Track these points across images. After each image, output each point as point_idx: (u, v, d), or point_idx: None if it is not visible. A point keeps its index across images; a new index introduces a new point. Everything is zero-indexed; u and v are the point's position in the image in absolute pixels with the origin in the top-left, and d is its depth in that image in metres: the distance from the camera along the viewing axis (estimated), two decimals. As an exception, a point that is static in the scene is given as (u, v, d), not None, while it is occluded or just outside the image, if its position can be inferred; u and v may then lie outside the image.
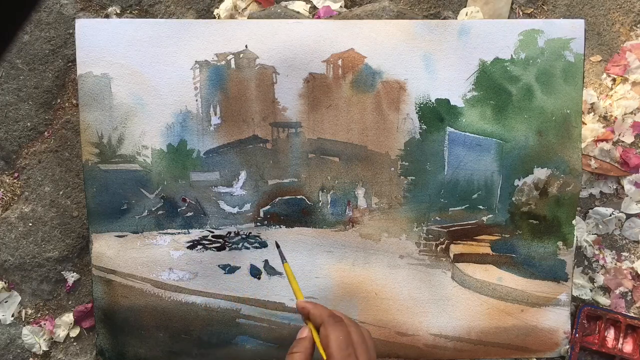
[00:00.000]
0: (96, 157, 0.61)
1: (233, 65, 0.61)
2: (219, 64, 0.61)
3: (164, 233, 0.62)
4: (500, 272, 0.64)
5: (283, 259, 0.56)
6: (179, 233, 0.62)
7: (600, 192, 0.67)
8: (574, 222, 0.64)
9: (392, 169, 0.63)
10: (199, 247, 0.63)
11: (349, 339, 0.46)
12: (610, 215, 0.67)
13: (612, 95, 0.67)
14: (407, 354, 0.64)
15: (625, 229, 0.67)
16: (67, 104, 0.65)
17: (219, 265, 0.63)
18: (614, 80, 0.68)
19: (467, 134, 0.63)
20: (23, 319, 0.66)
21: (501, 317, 0.64)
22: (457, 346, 0.64)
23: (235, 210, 0.63)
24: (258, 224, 0.63)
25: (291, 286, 0.53)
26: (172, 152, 0.62)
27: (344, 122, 0.62)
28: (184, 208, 0.62)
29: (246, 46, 0.61)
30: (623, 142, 0.67)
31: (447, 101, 0.62)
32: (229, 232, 0.63)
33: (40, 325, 0.65)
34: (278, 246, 0.59)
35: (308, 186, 0.63)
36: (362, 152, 0.63)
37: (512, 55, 0.62)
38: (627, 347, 0.66)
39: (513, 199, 0.63)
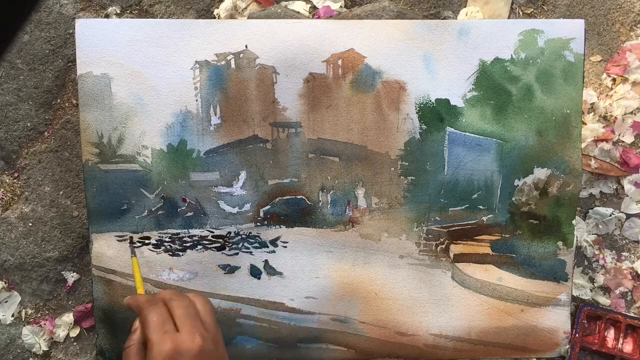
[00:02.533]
0: (96, 157, 0.61)
1: (233, 65, 0.61)
2: (219, 64, 0.61)
3: (164, 233, 0.62)
4: (500, 272, 0.64)
5: (132, 253, 0.58)
6: (179, 233, 0.62)
7: (600, 192, 0.67)
8: (574, 222, 0.64)
9: (392, 169, 0.63)
10: (199, 247, 0.63)
11: (166, 316, 0.46)
12: (610, 215, 0.67)
13: (612, 95, 0.67)
14: (407, 354, 0.64)
15: (625, 229, 0.67)
16: (67, 104, 0.65)
17: (219, 265, 0.63)
18: (614, 80, 0.68)
19: (467, 134, 0.63)
20: (23, 319, 0.66)
21: (501, 317, 0.64)
22: (457, 346, 0.64)
23: (235, 210, 0.63)
24: (258, 224, 0.63)
25: (135, 278, 0.54)
26: (172, 152, 0.62)
27: (344, 122, 0.62)
28: (184, 208, 0.62)
29: (246, 46, 0.61)
30: (623, 142, 0.67)
31: (447, 101, 0.62)
32: (229, 232, 0.63)
33: (40, 325, 0.65)
34: (131, 241, 0.61)
35: (308, 186, 0.63)
36: (362, 152, 0.63)
37: (512, 55, 0.62)
38: (627, 347, 0.66)
39: (513, 199, 0.63)
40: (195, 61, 0.61)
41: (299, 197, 0.63)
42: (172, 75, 0.61)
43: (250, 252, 0.63)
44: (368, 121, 0.62)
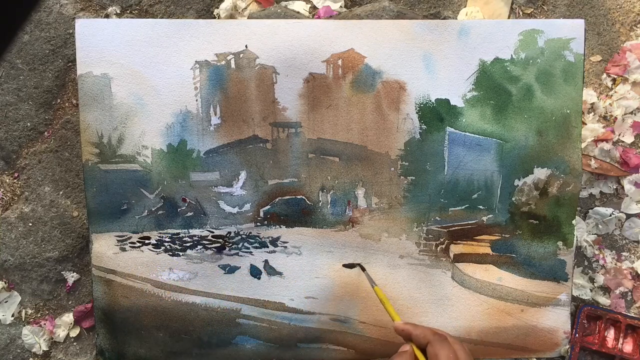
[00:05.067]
0: (96, 157, 0.61)
1: (233, 65, 0.61)
2: (219, 64, 0.61)
3: (164, 233, 0.62)
4: (500, 272, 0.64)
5: (372, 283, 0.59)
6: (179, 233, 0.62)
7: (600, 192, 0.67)
8: (574, 222, 0.64)
9: (392, 169, 0.63)
10: (199, 247, 0.63)
11: (456, 357, 0.49)
12: (610, 215, 0.67)
13: (612, 95, 0.67)
14: (407, 354, 0.64)
15: (625, 229, 0.67)
16: (67, 104, 0.65)
17: (219, 265, 0.63)
18: (614, 80, 0.68)
19: (467, 134, 0.63)
20: (23, 319, 0.66)
21: (501, 317, 0.64)
22: (457, 346, 0.64)
23: (235, 210, 0.63)
24: (258, 224, 0.63)
25: (386, 310, 0.55)
26: (172, 152, 0.62)
27: (344, 122, 0.62)
28: (184, 208, 0.62)
29: (246, 46, 0.61)
30: (623, 142, 0.67)
31: (447, 101, 0.62)
32: (229, 232, 0.63)
33: (40, 325, 0.65)
34: (364, 269, 0.62)
35: (308, 186, 0.63)
36: (362, 152, 0.63)
37: (512, 55, 0.62)
38: (627, 347, 0.66)
39: (513, 199, 0.63)
40: (195, 61, 0.61)
41: (299, 197, 0.63)
42: (172, 75, 0.61)
43: (250, 252, 0.63)
44: (368, 121, 0.62)
